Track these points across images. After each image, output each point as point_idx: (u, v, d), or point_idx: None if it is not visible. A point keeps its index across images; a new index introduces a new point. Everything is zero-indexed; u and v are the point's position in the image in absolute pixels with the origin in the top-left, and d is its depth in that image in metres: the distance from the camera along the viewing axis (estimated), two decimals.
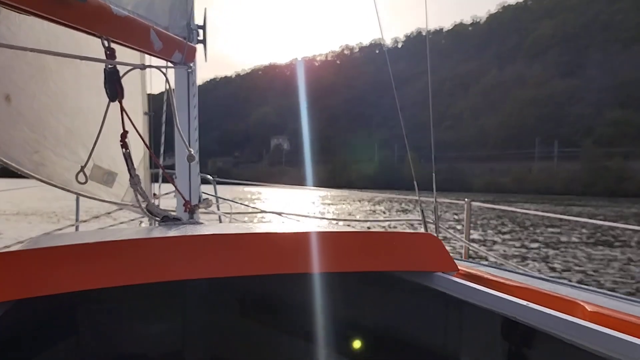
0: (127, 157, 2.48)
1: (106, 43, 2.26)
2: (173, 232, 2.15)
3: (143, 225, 5.46)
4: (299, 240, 1.79)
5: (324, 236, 1.90)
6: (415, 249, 1.91)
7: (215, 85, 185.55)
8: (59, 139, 4.37)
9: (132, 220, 5.93)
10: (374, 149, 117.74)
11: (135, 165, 5.54)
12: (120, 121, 2.46)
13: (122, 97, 2.32)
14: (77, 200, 5.10)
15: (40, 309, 1.73)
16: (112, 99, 2.33)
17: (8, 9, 1.89)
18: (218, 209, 4.42)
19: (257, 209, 4.31)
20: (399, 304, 2.21)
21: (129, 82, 5.49)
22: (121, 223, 5.34)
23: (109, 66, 2.30)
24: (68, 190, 4.45)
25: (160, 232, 2.39)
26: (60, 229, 4.90)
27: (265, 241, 1.80)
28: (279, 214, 4.53)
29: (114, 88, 2.31)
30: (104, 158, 4.90)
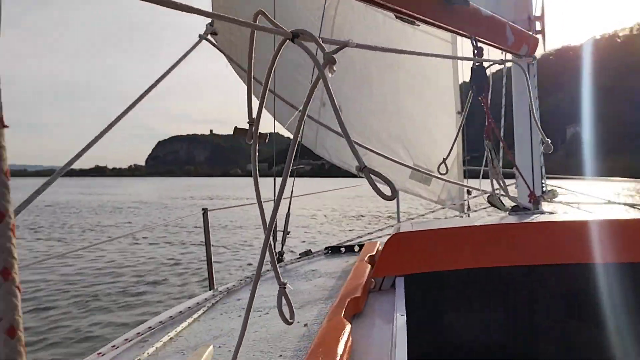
0: (492, 149, 2.60)
1: (474, 42, 2.41)
2: (530, 219, 2.19)
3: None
4: None
5: None
6: None
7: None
8: (381, 140, 4.86)
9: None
10: None
11: (449, 162, 5.83)
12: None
13: (489, 92, 2.45)
14: (397, 200, 5.56)
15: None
16: (478, 94, 2.48)
17: (404, 20, 2.17)
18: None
19: (602, 199, 4.05)
20: None
21: (443, 78, 5.69)
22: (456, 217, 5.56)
23: (476, 64, 2.45)
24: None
25: (517, 219, 2.45)
26: (412, 218, 5.41)
27: (615, 229, 1.76)
28: (632, 205, 4.18)
29: (480, 84, 2.45)
30: (421, 158, 5.24)
